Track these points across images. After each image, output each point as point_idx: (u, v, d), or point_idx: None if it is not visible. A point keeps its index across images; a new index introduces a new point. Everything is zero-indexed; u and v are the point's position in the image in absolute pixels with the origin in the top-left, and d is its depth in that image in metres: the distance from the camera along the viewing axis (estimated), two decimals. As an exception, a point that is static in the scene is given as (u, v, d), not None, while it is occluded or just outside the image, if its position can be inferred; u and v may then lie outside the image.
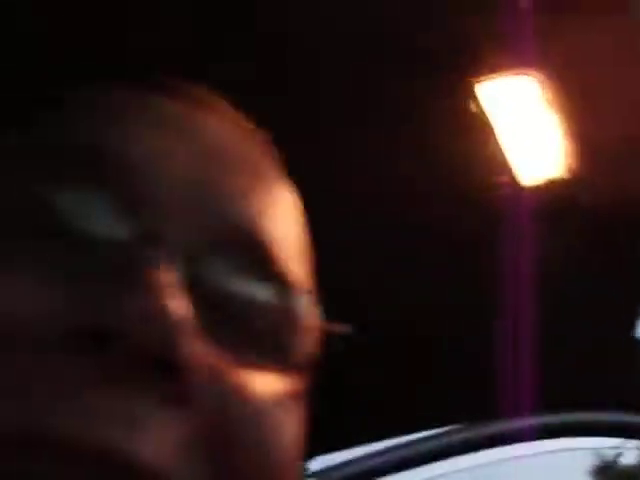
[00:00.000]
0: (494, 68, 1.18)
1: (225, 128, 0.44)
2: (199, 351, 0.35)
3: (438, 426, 1.63)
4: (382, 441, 1.57)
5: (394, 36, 1.12)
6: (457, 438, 1.63)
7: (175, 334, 0.34)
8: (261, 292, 0.40)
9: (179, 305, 0.35)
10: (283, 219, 0.43)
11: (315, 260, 0.45)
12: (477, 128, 1.22)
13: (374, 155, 1.21)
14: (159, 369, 0.34)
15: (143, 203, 0.38)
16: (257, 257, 0.40)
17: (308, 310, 0.41)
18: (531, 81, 1.20)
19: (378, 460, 1.56)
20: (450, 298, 1.29)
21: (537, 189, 1.28)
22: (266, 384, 0.38)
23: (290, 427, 0.39)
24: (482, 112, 1.21)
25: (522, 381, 1.33)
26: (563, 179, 1.27)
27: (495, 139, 1.23)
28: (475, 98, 1.20)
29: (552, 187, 1.28)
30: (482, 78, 1.18)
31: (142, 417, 0.33)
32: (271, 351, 0.39)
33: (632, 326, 1.49)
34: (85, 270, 0.36)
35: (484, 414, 1.59)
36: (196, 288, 0.36)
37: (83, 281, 0.36)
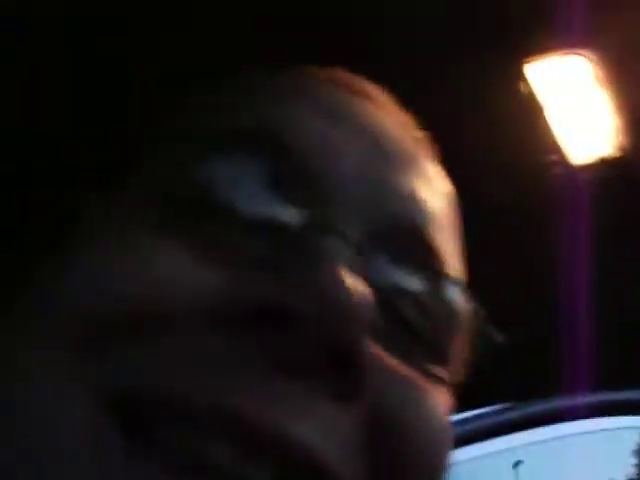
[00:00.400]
0: (544, 48, 1.18)
1: (389, 121, 0.43)
2: (374, 350, 0.35)
3: (492, 404, 1.63)
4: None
5: (441, 17, 1.12)
6: (511, 415, 1.63)
7: (358, 330, 0.33)
8: (423, 292, 0.39)
9: (363, 298, 0.33)
10: (444, 218, 0.42)
11: None
12: (529, 109, 1.22)
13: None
14: (337, 363, 0.33)
15: (313, 192, 0.37)
16: (421, 258, 0.39)
17: (465, 308, 0.41)
18: (582, 60, 1.19)
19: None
20: (504, 279, 1.29)
21: (590, 168, 1.28)
22: (425, 381, 0.38)
23: (444, 419, 0.39)
24: (533, 93, 1.21)
25: (576, 360, 1.33)
26: (615, 157, 1.27)
27: (547, 119, 1.24)
28: (526, 79, 1.20)
29: (604, 166, 1.28)
30: (532, 58, 1.18)
31: (318, 411, 0.33)
32: (430, 348, 0.39)
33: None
34: (251, 250, 0.35)
35: (537, 393, 1.59)
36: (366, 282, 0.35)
37: (251, 261, 0.35)
